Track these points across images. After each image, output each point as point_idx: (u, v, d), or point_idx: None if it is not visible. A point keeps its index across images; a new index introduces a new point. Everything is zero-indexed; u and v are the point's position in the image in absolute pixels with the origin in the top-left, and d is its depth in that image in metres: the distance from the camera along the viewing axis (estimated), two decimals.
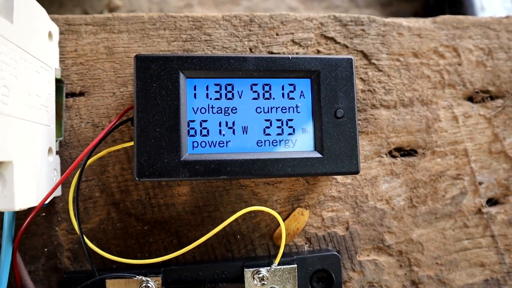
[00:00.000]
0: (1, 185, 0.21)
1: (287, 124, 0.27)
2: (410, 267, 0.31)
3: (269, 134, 0.26)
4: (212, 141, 0.26)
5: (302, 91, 0.27)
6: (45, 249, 0.28)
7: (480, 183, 0.32)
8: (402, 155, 0.31)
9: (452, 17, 0.34)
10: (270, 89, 0.27)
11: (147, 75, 0.25)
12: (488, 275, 0.32)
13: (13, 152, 0.21)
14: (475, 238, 0.32)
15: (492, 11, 0.46)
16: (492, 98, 0.33)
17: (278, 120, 0.26)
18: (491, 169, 0.32)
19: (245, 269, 0.26)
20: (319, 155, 0.26)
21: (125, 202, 0.28)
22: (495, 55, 0.34)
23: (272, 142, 0.26)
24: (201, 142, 0.26)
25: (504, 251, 0.32)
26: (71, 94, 0.29)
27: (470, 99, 0.33)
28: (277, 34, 0.31)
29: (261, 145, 0.26)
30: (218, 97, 0.26)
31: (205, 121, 0.26)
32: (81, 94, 0.29)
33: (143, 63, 0.25)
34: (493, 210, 0.32)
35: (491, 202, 0.32)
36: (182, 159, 0.25)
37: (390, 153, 0.31)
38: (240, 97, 0.26)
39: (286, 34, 0.31)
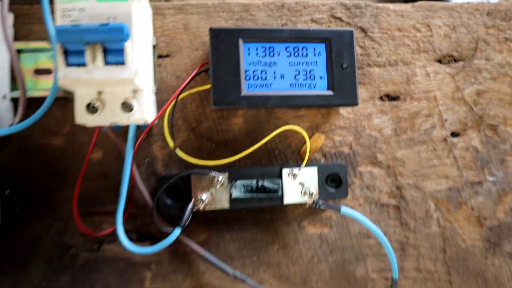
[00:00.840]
0: (138, 104, 0.34)
1: (310, 73, 0.40)
2: (395, 177, 0.44)
3: (298, 79, 0.39)
4: (261, 83, 0.39)
5: (319, 52, 0.40)
6: (145, 160, 0.41)
7: (446, 120, 0.45)
8: (389, 100, 0.44)
9: (427, 3, 0.46)
10: (298, 50, 0.40)
11: (217, 40, 0.38)
12: (451, 185, 0.45)
13: (144, 83, 0.34)
14: (442, 158, 0.45)
15: None
16: (456, 60, 0.46)
17: (304, 70, 0.39)
18: (454, 111, 0.45)
19: (283, 169, 0.39)
20: (331, 93, 0.39)
21: (199, 128, 0.41)
22: (458, 30, 0.46)
23: (300, 85, 0.39)
24: (254, 84, 0.39)
25: (462, 168, 0.45)
26: (160, 56, 0.42)
27: (439, 61, 0.46)
28: (300, 15, 0.44)
29: (293, 86, 0.39)
30: (264, 55, 0.39)
31: (256, 70, 0.39)
32: (167, 56, 0.42)
33: (215, 33, 0.38)
34: (455, 140, 0.45)
35: (454, 134, 0.45)
36: (242, 95, 0.38)
37: (381, 98, 0.44)
38: (278, 55, 0.39)
39: (307, 15, 0.44)
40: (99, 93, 0.34)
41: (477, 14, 0.47)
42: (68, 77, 0.30)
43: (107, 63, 0.30)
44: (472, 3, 0.47)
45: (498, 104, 0.46)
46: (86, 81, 0.31)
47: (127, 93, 0.34)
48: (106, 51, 0.30)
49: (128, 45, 0.30)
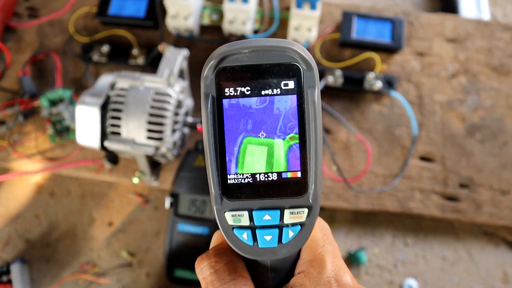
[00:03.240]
0: (314, 30, 0.84)
1: (382, 32, 0.88)
2: (419, 90, 0.89)
3: (378, 34, 0.88)
4: (361, 33, 0.88)
5: (387, 25, 0.89)
6: None
7: (448, 69, 0.91)
8: (419, 56, 0.91)
9: (442, 14, 0.94)
10: (379, 23, 0.89)
11: (346, 16, 0.89)
12: (449, 98, 0.89)
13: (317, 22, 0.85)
14: (444, 85, 0.90)
15: None
16: (455, 42, 0.93)
17: (380, 31, 0.88)
18: (452, 65, 0.91)
19: (366, 74, 0.87)
20: (391, 42, 0.87)
21: (330, 53, 0.91)
22: (458, 28, 0.94)
23: (378, 37, 0.88)
24: (359, 34, 0.88)
25: (456, 91, 0.90)
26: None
27: (447, 41, 0.93)
28: (380, 11, 0.94)
29: (375, 38, 0.88)
30: (363, 23, 0.89)
31: (359, 29, 0.88)
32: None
33: (344, 13, 0.89)
34: (452, 79, 0.90)
35: (452, 76, 0.91)
36: (351, 38, 0.87)
37: (415, 54, 0.91)
38: (369, 24, 0.89)
39: (384, 11, 0.94)
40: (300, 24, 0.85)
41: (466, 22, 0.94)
42: (298, 13, 0.82)
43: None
44: (463, 17, 0.95)
45: (476, 64, 0.91)
46: (304, 17, 0.82)
47: (311, 24, 0.85)
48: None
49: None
